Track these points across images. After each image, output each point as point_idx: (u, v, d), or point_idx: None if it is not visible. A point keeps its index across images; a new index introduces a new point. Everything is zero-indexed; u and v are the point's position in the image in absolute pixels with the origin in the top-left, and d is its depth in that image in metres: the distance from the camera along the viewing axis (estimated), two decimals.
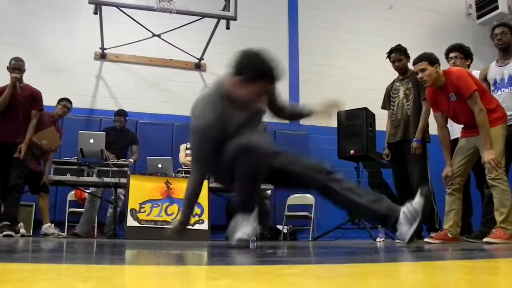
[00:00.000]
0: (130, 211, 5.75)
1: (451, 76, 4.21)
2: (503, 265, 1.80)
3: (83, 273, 1.28)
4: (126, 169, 6.26)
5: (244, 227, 2.79)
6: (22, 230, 5.72)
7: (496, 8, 9.35)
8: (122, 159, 6.60)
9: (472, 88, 4.11)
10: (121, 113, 7.21)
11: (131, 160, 6.94)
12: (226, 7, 6.75)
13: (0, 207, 5.56)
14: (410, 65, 5.38)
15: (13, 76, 5.52)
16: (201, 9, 6.80)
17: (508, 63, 4.72)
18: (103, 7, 6.74)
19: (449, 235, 4.29)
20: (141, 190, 5.90)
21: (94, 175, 6.16)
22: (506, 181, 4.12)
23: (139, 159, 7.22)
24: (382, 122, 5.96)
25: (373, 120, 6.66)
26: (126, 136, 7.18)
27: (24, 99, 5.63)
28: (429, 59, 4.26)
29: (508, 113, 4.53)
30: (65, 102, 6.45)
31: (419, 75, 4.30)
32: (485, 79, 4.88)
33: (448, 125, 4.76)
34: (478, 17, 9.73)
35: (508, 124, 4.49)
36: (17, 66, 5.63)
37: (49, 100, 6.49)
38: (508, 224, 4.04)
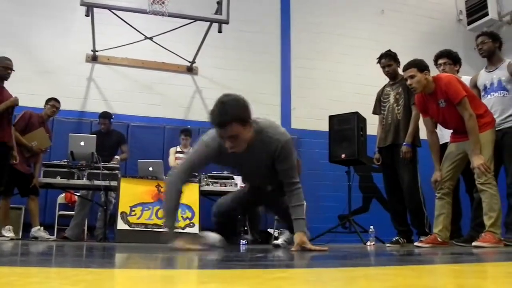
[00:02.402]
0: (120, 214, 5.72)
1: (440, 82, 4.24)
2: (491, 269, 1.81)
3: (72, 276, 1.27)
4: (116, 172, 6.23)
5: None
6: (11, 234, 5.68)
7: (486, 14, 9.43)
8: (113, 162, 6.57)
9: (461, 94, 4.14)
10: (105, 116, 7.11)
11: (117, 157, 6.86)
12: (218, 11, 6.74)
13: None
14: (400, 70, 5.42)
15: (15, 99, 5.53)
16: (194, 12, 6.78)
17: (496, 68, 4.79)
18: (95, 9, 6.71)
19: (439, 239, 4.32)
20: (131, 193, 5.87)
21: (84, 178, 6.13)
22: (495, 185, 4.15)
23: (130, 161, 7.19)
24: (373, 126, 5.98)
25: (364, 125, 6.67)
26: (112, 138, 7.08)
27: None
28: (419, 65, 4.30)
29: (498, 117, 4.58)
30: (53, 102, 6.37)
31: (408, 82, 4.34)
32: (475, 85, 4.94)
33: (438, 130, 4.78)
34: (469, 23, 9.80)
35: (498, 129, 4.53)
36: (10, 66, 5.58)
37: (40, 102, 6.46)
38: (496, 228, 4.08)
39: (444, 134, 4.84)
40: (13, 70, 5.64)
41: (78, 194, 6.63)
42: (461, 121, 4.21)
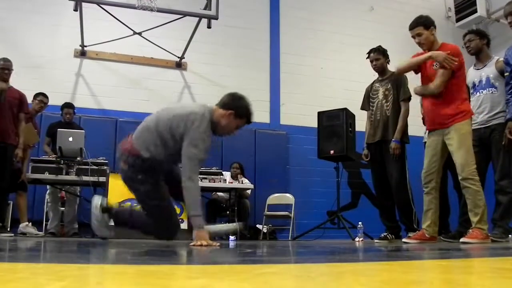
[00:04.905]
0: None
1: (448, 47, 4.30)
2: (478, 265, 1.83)
3: (58, 272, 1.27)
4: (105, 167, 6.19)
5: None
6: None
7: (475, 11, 9.49)
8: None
9: (460, 65, 4.19)
10: (70, 105, 6.92)
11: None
12: (207, 6, 6.72)
13: None
14: (389, 67, 5.45)
15: (3, 86, 5.54)
16: (183, 8, 6.75)
17: (485, 66, 4.82)
18: (84, 4, 6.66)
19: (427, 235, 4.34)
20: (120, 189, 5.84)
21: (73, 174, 6.08)
22: (477, 181, 4.15)
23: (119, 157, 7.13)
24: (362, 122, 5.99)
25: (353, 121, 6.70)
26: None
27: (13, 100, 5.67)
28: (425, 23, 4.39)
29: (487, 114, 4.61)
30: (41, 97, 6.36)
31: (416, 40, 4.40)
32: None
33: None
34: (457, 20, 9.86)
35: (486, 126, 4.57)
36: (6, 67, 5.63)
37: (28, 97, 6.40)
38: (483, 224, 4.10)
39: None
40: (12, 70, 5.69)
41: (49, 184, 6.50)
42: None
